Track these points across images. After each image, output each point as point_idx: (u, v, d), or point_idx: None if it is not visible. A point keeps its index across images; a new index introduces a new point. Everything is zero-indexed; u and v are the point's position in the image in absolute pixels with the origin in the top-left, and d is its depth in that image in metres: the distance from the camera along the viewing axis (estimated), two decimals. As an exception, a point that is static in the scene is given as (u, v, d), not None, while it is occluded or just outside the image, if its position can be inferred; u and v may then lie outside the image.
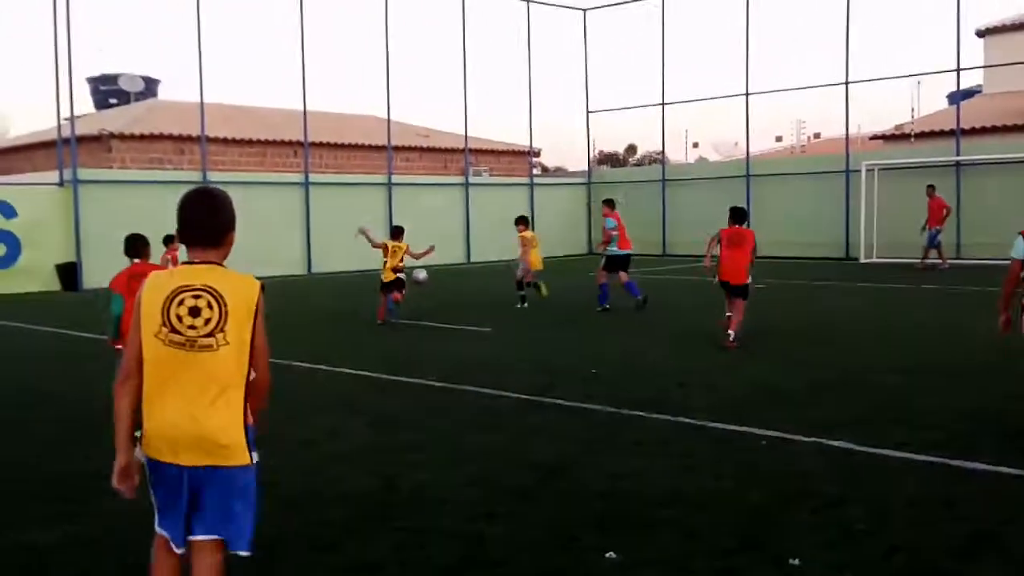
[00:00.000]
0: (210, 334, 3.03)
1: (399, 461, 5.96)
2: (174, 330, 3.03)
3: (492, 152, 36.38)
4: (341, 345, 11.52)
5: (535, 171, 36.29)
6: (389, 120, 27.41)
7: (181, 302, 3.05)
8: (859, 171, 24.92)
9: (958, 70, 24.97)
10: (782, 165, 30.42)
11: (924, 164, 24.92)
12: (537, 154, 37.84)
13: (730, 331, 10.41)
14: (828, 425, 6.60)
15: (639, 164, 59.00)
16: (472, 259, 28.40)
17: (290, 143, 29.68)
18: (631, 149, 65.64)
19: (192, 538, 3.11)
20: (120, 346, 7.42)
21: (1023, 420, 6.70)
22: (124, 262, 7.78)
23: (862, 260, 24.28)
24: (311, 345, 11.49)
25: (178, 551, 3.15)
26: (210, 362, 3.03)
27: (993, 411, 6.99)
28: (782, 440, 6.26)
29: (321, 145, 30.36)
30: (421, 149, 34.16)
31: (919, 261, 21.58)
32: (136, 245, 7.73)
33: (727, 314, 10.72)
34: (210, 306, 3.05)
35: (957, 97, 26.54)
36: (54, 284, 20.47)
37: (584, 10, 31.45)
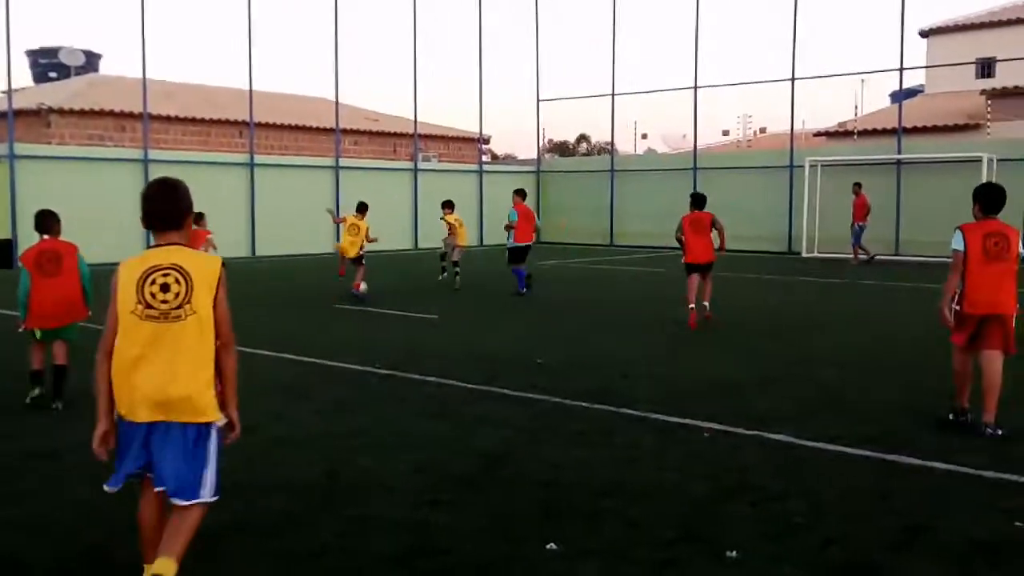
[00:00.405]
0: (179, 306, 3.49)
1: (344, 448, 5.93)
2: (148, 305, 3.48)
3: (441, 138, 36.26)
4: (286, 330, 11.39)
5: (484, 158, 36.20)
6: (337, 102, 27.13)
7: (153, 281, 3.49)
8: (803, 167, 25.31)
9: (901, 69, 25.46)
10: (729, 159, 30.79)
11: (866, 161, 25.42)
12: (487, 141, 37.76)
13: (706, 302, 11.78)
14: (769, 418, 6.71)
15: (588, 154, 59.22)
16: (420, 245, 28.27)
17: (235, 123, 29.22)
18: (582, 139, 65.86)
19: (159, 489, 3.52)
20: (27, 327, 7.27)
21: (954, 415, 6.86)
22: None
23: (804, 254, 24.71)
24: (255, 330, 11.34)
25: (115, 489, 3.56)
26: (180, 331, 3.49)
27: (926, 405, 7.15)
28: (724, 433, 6.34)
29: (267, 126, 29.96)
30: (370, 133, 33.90)
31: (852, 257, 22.26)
32: (46, 222, 7.66)
33: (691, 305, 11.65)
34: (177, 282, 3.50)
35: (899, 96, 27.09)
36: (-12, 261, 19.91)
37: (536, -2, 31.39)
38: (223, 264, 3.70)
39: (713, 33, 70.10)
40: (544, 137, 36.84)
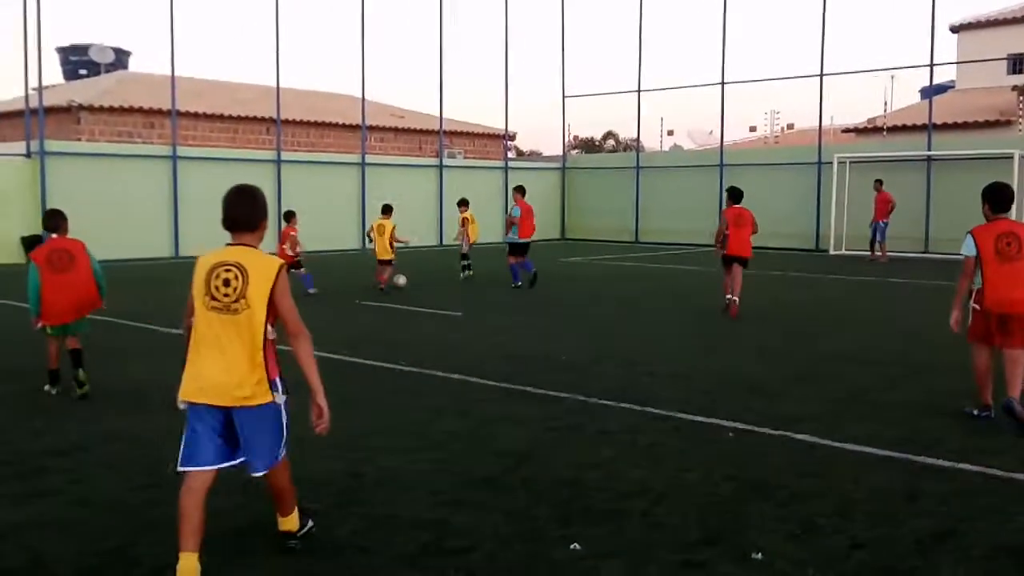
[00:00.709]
0: (236, 300, 3.87)
1: (364, 446, 5.91)
2: (213, 297, 3.91)
3: (467, 134, 36.24)
4: (309, 326, 11.39)
5: (510, 154, 36.16)
6: (364, 99, 27.20)
7: (218, 275, 3.93)
8: (831, 163, 25.07)
9: (931, 65, 25.13)
10: (756, 155, 30.53)
11: (895, 158, 25.12)
12: (512, 137, 37.71)
13: (735, 297, 12.27)
14: (794, 418, 6.63)
15: (613, 151, 59.03)
16: (445, 242, 28.28)
17: (262, 120, 29.35)
18: (609, 136, 65.63)
19: (217, 467, 3.93)
20: (42, 324, 7.39)
21: (984, 417, 6.74)
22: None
23: (831, 252, 24.47)
24: (278, 326, 11.38)
25: (210, 470, 3.92)
26: (236, 323, 3.88)
27: (953, 406, 7.04)
28: (748, 432, 6.28)
29: (294, 123, 30.07)
30: (396, 130, 33.94)
31: (879, 254, 22.18)
32: (55, 220, 7.83)
33: (728, 296, 12.41)
34: (236, 278, 3.91)
35: (930, 92, 26.72)
36: (20, 257, 20.13)
37: (563, -6, 31.30)
38: (282, 265, 4.04)
39: (741, 29, 69.58)
40: (570, 134, 36.76)
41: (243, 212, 4.16)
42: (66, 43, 37.03)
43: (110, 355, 9.38)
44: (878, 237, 22.32)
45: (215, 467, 3.92)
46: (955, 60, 36.02)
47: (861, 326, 11.63)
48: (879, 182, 22.70)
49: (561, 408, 6.98)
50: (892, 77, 36.99)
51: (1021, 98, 30.69)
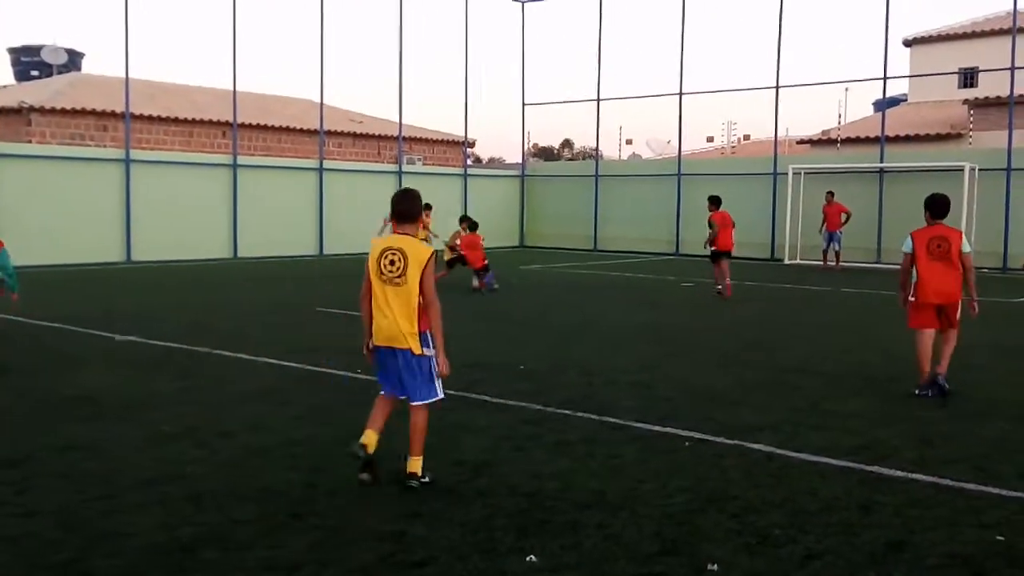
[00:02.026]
0: (399, 275, 5.19)
1: (323, 456, 5.85)
2: (382, 273, 5.24)
3: (426, 141, 36.17)
4: (267, 334, 11.31)
5: (469, 161, 36.14)
6: (322, 104, 27.02)
7: (386, 257, 5.24)
8: (786, 174, 25.39)
9: (884, 78, 25.58)
10: (713, 165, 30.85)
11: (849, 169, 25.53)
12: (472, 144, 37.70)
13: (728, 281, 15.70)
14: (752, 427, 6.69)
15: (573, 159, 59.26)
16: (403, 248, 28.17)
17: (218, 123, 29.05)
18: (567, 144, 65.89)
19: (394, 395, 5.39)
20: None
21: (936, 426, 6.86)
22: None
23: (787, 261, 24.79)
24: (236, 333, 11.25)
25: (388, 397, 5.42)
26: (398, 292, 5.20)
27: (908, 416, 7.16)
28: (705, 442, 6.31)
29: (250, 127, 29.79)
30: (354, 135, 33.77)
31: (832, 264, 22.63)
32: None
33: (719, 285, 15.81)
34: (399, 260, 5.20)
35: (882, 105, 27.23)
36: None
37: (522, 2, 31.41)
38: (432, 253, 5.27)
39: (698, 40, 70.30)
40: (529, 142, 36.81)
41: (407, 208, 5.40)
42: (18, 44, 36.35)
43: (62, 361, 9.20)
44: (835, 246, 22.80)
45: (392, 396, 5.38)
46: (907, 74, 36.74)
47: (817, 335, 11.78)
48: (830, 194, 23.20)
49: (520, 418, 6.97)
50: (846, 90, 37.65)
51: (972, 112, 31.35)
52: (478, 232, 17.29)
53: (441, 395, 5.37)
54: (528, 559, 4.22)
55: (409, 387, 5.28)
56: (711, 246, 15.79)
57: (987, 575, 4.14)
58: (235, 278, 19.14)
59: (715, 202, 15.99)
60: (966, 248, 7.96)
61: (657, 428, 6.68)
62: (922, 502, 5.10)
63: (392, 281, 5.20)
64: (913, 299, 8.02)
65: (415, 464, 5.28)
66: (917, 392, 7.90)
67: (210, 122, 29.35)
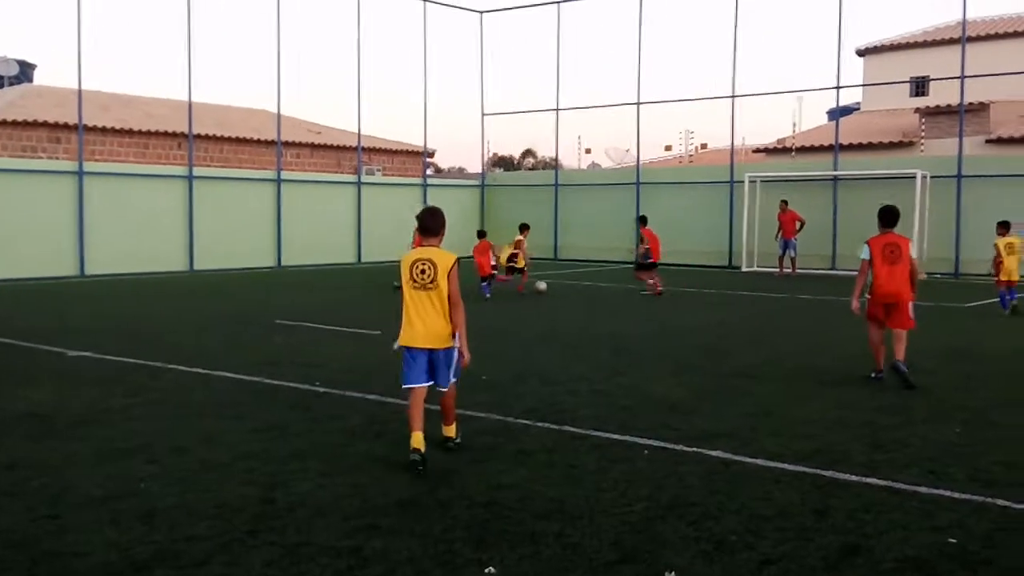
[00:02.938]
0: (430, 282, 5.94)
1: (278, 471, 5.79)
2: (414, 280, 5.99)
3: (386, 151, 36.06)
4: (222, 348, 11.18)
5: (429, 172, 36.08)
6: (280, 114, 26.84)
7: (417, 267, 5.98)
8: (743, 182, 25.68)
9: (838, 88, 25.99)
10: (671, 174, 31.09)
11: (803, 177, 25.88)
12: (431, 154, 37.66)
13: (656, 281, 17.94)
14: (709, 434, 6.74)
15: (533, 168, 59.41)
16: (363, 259, 28.06)
17: (174, 135, 28.74)
18: (527, 154, 66.07)
19: (426, 384, 6.11)
20: None
21: (888, 431, 6.96)
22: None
23: (744, 268, 25.05)
24: (191, 347, 11.12)
25: (420, 388, 6.08)
26: (430, 297, 5.96)
27: (861, 421, 7.25)
28: (664, 450, 6.34)
29: (207, 138, 29.51)
30: (313, 146, 33.58)
31: (788, 271, 23.00)
32: None
33: (650, 281, 17.99)
34: (430, 268, 5.94)
35: (836, 114, 27.63)
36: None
37: (481, 12, 31.50)
38: (457, 259, 6.00)
39: (656, 50, 70.93)
40: (489, 151, 36.83)
41: (433, 223, 6.16)
42: (-33, 54, 35.58)
43: (11, 377, 9.03)
44: (790, 253, 23.15)
45: (422, 385, 6.06)
46: (860, 83, 37.35)
47: (773, 341, 11.90)
48: (784, 202, 23.56)
49: (480, 428, 6.95)
50: (800, 99, 38.09)
51: (923, 120, 31.95)
52: (487, 239, 18.11)
53: (455, 379, 6.22)
54: (487, 570, 4.21)
55: (440, 376, 6.11)
56: (647, 258, 18.05)
57: (939, 577, 4.20)
58: (192, 291, 18.92)
59: (644, 221, 18.87)
60: (914, 254, 9.02)
61: (616, 436, 6.70)
62: (876, 506, 5.16)
63: (425, 287, 5.96)
64: (869, 297, 8.94)
65: (450, 431, 6.35)
66: (873, 376, 8.91)
67: (166, 133, 29.03)
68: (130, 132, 28.49)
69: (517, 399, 7.99)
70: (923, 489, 5.45)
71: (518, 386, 8.64)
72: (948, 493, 5.38)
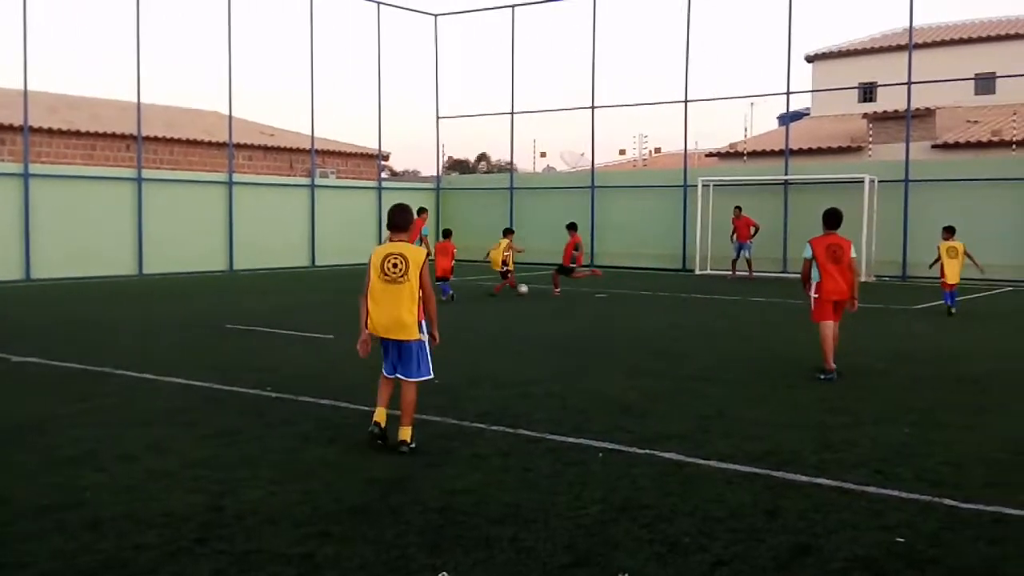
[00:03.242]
0: (400, 276, 6.26)
1: (229, 478, 5.70)
2: (385, 273, 6.29)
3: (340, 154, 35.85)
4: (172, 353, 11.00)
5: (383, 175, 35.91)
6: (231, 116, 26.53)
7: (388, 260, 6.30)
8: (696, 186, 25.92)
9: (788, 93, 26.35)
10: (625, 178, 31.29)
11: (755, 182, 26.20)
12: (386, 158, 37.48)
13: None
14: (662, 436, 6.77)
15: (488, 172, 59.40)
16: (317, 262, 27.83)
17: (122, 136, 28.29)
18: (483, 157, 66.05)
19: (395, 375, 6.46)
20: None
21: (838, 431, 7.05)
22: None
23: (697, 271, 25.28)
24: (139, 352, 10.93)
25: (389, 377, 6.50)
26: (400, 289, 6.27)
27: (812, 422, 7.34)
28: (618, 452, 6.37)
29: (156, 140, 29.09)
30: (265, 148, 33.26)
31: (744, 274, 23.23)
32: None
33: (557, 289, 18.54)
34: (400, 262, 6.29)
35: (786, 119, 28.02)
36: None
37: (435, 15, 31.44)
38: (427, 255, 6.42)
39: (610, 55, 71.38)
40: (444, 155, 36.79)
41: (402, 220, 6.51)
42: (-94, 52, 34.68)
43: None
44: (744, 255, 23.46)
45: (392, 376, 6.48)
46: (810, 88, 37.92)
47: (726, 344, 12.01)
48: (738, 208, 23.87)
49: (434, 432, 6.92)
50: (751, 104, 38.63)
51: (871, 125, 32.51)
52: (451, 240, 18.19)
53: (431, 375, 6.47)
54: (440, 576, 4.18)
55: (403, 368, 6.38)
56: (573, 263, 18.82)
57: (887, 576, 4.26)
58: (141, 295, 18.61)
59: (571, 227, 19.42)
60: (853, 254, 9.65)
61: (571, 440, 6.71)
62: (825, 506, 5.22)
63: (396, 280, 6.26)
64: (816, 296, 9.49)
65: (405, 433, 6.34)
66: (822, 377, 9.20)
67: (114, 135, 28.56)
68: (77, 134, 27.98)
69: (471, 402, 7.97)
70: (872, 489, 5.53)
71: (472, 389, 8.62)
72: (896, 493, 5.46)
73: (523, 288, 18.51)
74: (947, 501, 5.30)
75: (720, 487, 5.59)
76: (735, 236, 23.76)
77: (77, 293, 18.75)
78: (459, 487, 5.53)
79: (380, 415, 6.42)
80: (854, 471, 5.91)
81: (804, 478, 5.75)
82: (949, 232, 15.57)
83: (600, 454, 6.33)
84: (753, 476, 5.81)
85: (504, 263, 18.80)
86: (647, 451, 6.37)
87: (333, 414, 7.57)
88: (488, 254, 19.66)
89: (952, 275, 15.18)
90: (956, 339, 12.69)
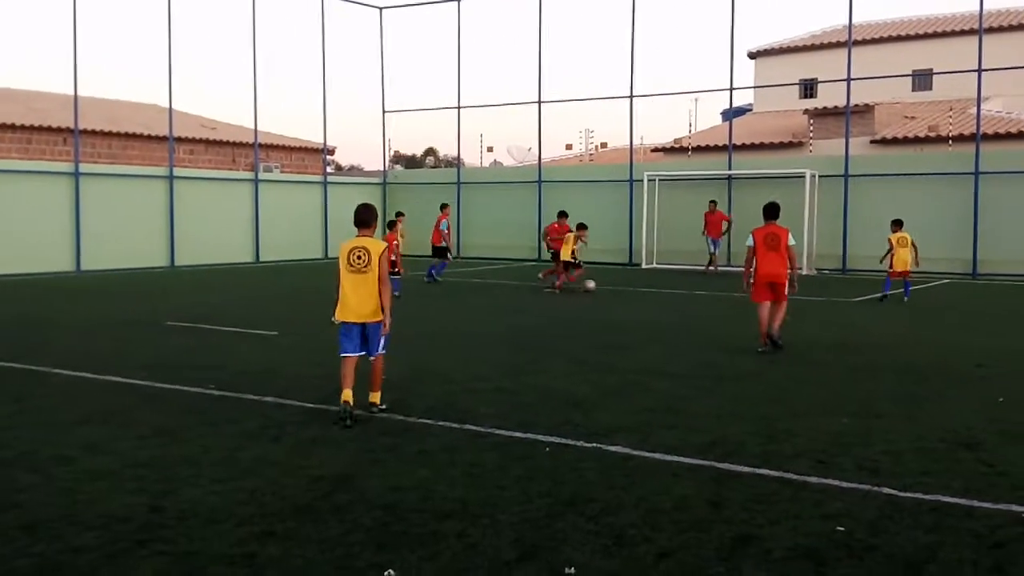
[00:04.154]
0: (364, 266, 7.06)
1: (169, 478, 5.59)
2: (351, 264, 7.09)
3: (284, 148, 35.45)
4: (110, 350, 10.77)
5: (329, 169, 35.57)
6: (171, 109, 26.02)
7: (354, 253, 7.10)
8: (642, 181, 26.10)
9: (731, 89, 26.66)
10: (572, 172, 31.41)
11: (699, 177, 26.47)
12: (331, 152, 37.13)
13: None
14: (609, 429, 6.81)
15: (435, 167, 59.21)
16: (261, 258, 27.47)
17: (59, 130, 27.63)
18: (429, 152, 65.82)
19: (359, 354, 7.19)
20: None
21: (780, 422, 7.15)
22: None
23: (644, 266, 25.47)
24: (78, 350, 10.69)
25: (353, 356, 7.17)
26: (365, 279, 7.07)
27: (756, 414, 7.44)
28: (564, 446, 6.38)
29: (94, 133, 28.46)
30: (207, 142, 32.75)
31: (712, 268, 23.25)
32: None
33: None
34: (364, 254, 7.09)
35: (729, 115, 28.36)
36: None
37: (380, 8, 31.18)
38: (386, 247, 7.25)
39: (556, 49, 71.56)
40: (391, 149, 36.54)
41: (367, 216, 7.34)
42: None
43: None
44: (709, 249, 23.36)
45: (355, 354, 7.16)
46: (752, 84, 38.41)
47: (670, 337, 12.12)
48: (713, 203, 23.90)
49: (379, 429, 6.87)
50: (696, 100, 39.03)
51: (812, 121, 33.05)
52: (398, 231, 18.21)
53: (384, 349, 7.31)
54: (386, 573, 4.15)
55: (371, 345, 7.19)
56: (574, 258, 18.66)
57: (829, 565, 4.32)
58: (79, 292, 18.19)
59: (561, 215, 19.73)
60: (791, 241, 10.63)
61: (518, 434, 6.71)
62: (768, 496, 5.29)
63: (361, 271, 7.04)
64: (753, 280, 10.62)
65: (375, 397, 7.30)
66: (760, 350, 10.33)
67: (50, 128, 27.90)
68: (12, 127, 27.27)
69: (418, 398, 7.93)
70: (813, 479, 5.62)
71: (418, 385, 8.57)
72: (837, 482, 5.55)
73: (590, 284, 18.06)
74: (886, 490, 5.41)
75: (666, 479, 5.63)
76: (705, 231, 23.56)
77: (12, 291, 18.27)
78: (405, 484, 5.50)
79: (347, 395, 6.95)
80: (796, 461, 6.00)
81: (748, 469, 5.82)
82: (898, 225, 16.62)
83: (547, 448, 6.34)
84: (698, 468, 5.87)
85: (573, 256, 18.32)
86: (594, 445, 6.39)
87: (277, 412, 7.48)
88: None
89: (904, 263, 16.23)
90: (895, 330, 12.96)
